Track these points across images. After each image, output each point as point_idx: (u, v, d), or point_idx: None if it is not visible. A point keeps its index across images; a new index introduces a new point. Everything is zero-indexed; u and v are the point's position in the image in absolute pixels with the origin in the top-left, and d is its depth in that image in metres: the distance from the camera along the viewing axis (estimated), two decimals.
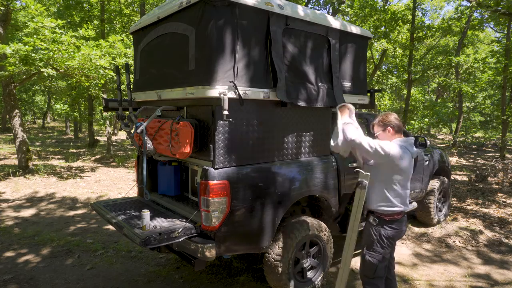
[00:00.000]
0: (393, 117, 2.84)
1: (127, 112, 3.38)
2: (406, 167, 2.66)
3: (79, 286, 3.59)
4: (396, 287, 3.01)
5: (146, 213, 2.83)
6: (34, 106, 30.54)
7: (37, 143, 17.23)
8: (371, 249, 2.72)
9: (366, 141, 2.61)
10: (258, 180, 2.96)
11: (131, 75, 5.67)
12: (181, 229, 2.80)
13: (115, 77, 5.22)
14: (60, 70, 7.96)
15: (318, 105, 3.35)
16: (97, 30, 13.27)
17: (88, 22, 10.97)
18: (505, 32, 13.39)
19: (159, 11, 3.27)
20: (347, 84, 3.78)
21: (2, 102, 16.59)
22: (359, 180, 2.64)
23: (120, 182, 8.45)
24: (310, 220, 3.35)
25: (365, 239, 2.80)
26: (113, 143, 15.21)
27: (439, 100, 20.99)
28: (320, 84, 3.40)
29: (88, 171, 9.85)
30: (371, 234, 2.73)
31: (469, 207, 6.28)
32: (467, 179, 8.82)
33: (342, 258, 2.76)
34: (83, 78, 8.49)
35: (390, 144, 2.65)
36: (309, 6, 16.00)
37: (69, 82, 12.20)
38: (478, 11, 12.19)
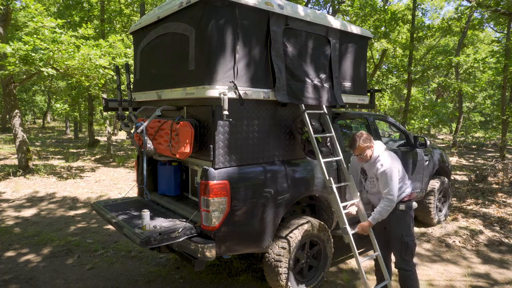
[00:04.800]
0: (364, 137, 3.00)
1: (127, 112, 3.38)
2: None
3: (79, 286, 3.59)
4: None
5: (146, 213, 2.84)
6: (34, 106, 30.55)
7: (37, 143, 17.22)
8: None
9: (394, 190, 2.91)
10: (258, 180, 2.96)
11: (131, 75, 5.67)
12: (181, 229, 2.80)
13: (115, 77, 5.22)
14: (60, 70, 7.96)
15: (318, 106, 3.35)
16: (97, 30, 13.26)
17: (88, 22, 10.96)
18: (505, 32, 13.38)
19: (159, 11, 3.27)
20: (347, 84, 3.78)
21: (2, 102, 16.60)
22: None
23: (120, 182, 8.45)
24: (310, 220, 3.35)
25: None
26: (113, 143, 15.21)
27: (439, 100, 20.98)
28: (320, 84, 3.40)
29: (88, 171, 9.85)
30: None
31: (469, 207, 6.28)
32: (467, 179, 8.82)
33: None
34: (83, 78, 8.49)
35: (389, 160, 2.96)
36: (309, 6, 16.00)
37: (69, 82, 12.20)
38: (478, 11, 12.18)
